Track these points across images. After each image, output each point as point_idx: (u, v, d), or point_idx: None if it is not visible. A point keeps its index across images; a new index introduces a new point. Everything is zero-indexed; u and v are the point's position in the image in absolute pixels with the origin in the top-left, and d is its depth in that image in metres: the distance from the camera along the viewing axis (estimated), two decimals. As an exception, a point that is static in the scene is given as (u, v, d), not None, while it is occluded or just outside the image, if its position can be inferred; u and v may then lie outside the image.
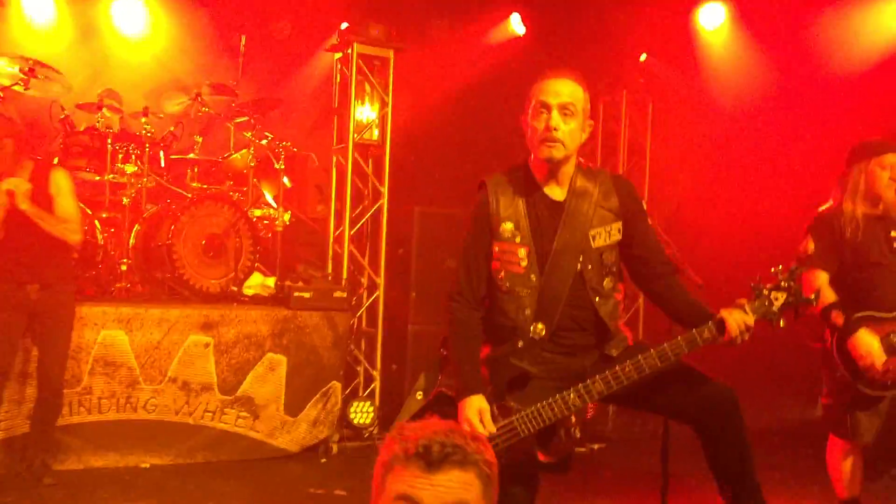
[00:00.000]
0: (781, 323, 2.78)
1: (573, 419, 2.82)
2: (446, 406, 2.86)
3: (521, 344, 2.86)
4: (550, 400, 2.77)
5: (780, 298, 2.76)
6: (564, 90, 2.83)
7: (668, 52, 7.55)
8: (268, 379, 5.43)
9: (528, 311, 2.85)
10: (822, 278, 3.83)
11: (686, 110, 7.74)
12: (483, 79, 7.07)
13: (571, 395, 2.77)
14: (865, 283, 3.83)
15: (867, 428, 3.83)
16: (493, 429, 2.75)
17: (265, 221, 6.13)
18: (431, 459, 1.53)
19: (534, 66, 7.01)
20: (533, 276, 2.86)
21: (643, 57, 7.48)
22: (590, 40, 7.34)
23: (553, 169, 2.89)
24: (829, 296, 3.80)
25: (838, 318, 3.76)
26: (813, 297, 2.83)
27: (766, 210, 6.83)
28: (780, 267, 2.82)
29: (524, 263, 2.87)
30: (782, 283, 2.77)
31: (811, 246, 3.88)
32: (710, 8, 7.27)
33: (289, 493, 4.82)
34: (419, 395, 2.96)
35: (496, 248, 2.90)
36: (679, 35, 7.42)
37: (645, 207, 3.16)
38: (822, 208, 4.06)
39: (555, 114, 2.81)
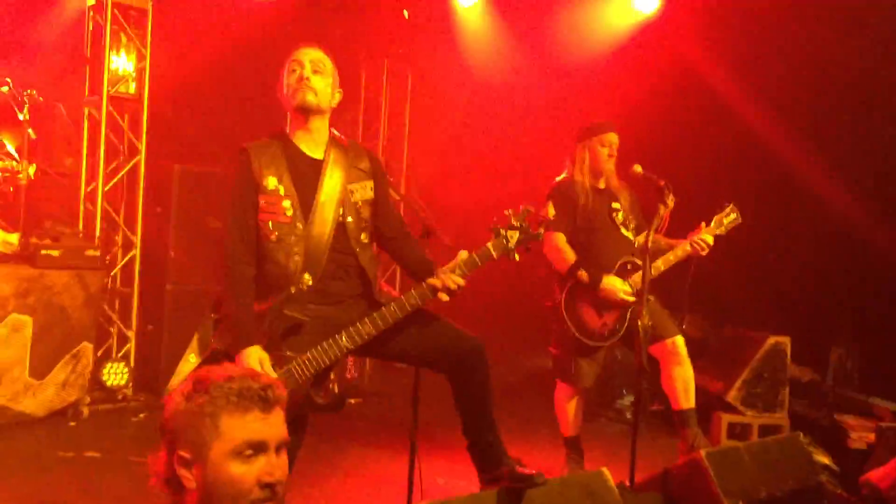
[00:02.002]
0: (517, 257, 3.22)
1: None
2: (222, 361, 2.96)
3: (293, 290, 3.04)
4: (324, 344, 3.00)
5: (514, 236, 3.18)
6: (315, 54, 3.16)
7: (428, 25, 7.88)
8: (11, 341, 5.13)
9: (297, 258, 3.04)
10: (561, 239, 4.36)
11: (444, 81, 8.15)
12: (248, 38, 6.97)
13: (343, 338, 3.01)
14: (591, 245, 4.39)
15: (587, 374, 4.42)
16: (274, 375, 2.91)
17: (6, 174, 5.70)
18: (269, 401, 1.76)
19: (297, 28, 7.13)
20: (299, 225, 3.06)
21: (405, 13, 7.72)
22: (351, 10, 7.49)
23: (309, 124, 3.14)
24: (570, 256, 4.33)
25: (583, 274, 4.28)
26: (539, 232, 3.26)
27: (513, 177, 7.43)
28: (512, 210, 3.23)
29: (289, 213, 3.06)
30: (513, 223, 3.19)
31: (551, 211, 4.37)
32: (465, -15, 7.67)
33: (37, 458, 4.65)
34: (192, 358, 3.05)
35: (262, 201, 3.06)
36: (438, 9, 7.77)
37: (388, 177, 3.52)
38: (558, 178, 4.58)
39: (307, 67, 3.12)
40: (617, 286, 4.27)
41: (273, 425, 1.76)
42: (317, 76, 3.13)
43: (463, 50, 7.86)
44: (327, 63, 3.19)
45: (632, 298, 4.26)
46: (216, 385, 1.74)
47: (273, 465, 1.75)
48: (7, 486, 4.17)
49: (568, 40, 7.30)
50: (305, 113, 3.12)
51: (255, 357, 2.91)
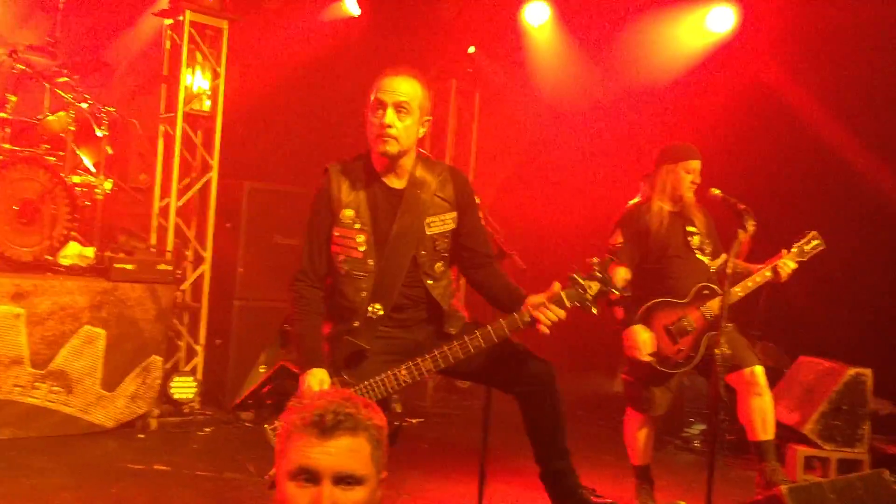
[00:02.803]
0: (594, 310, 3.02)
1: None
2: (287, 379, 2.97)
3: (357, 324, 3.02)
4: (382, 376, 2.96)
5: (593, 287, 2.98)
6: (401, 88, 2.99)
7: (496, 44, 7.88)
8: (84, 352, 5.23)
9: (364, 294, 3.02)
10: (620, 273, 4.18)
11: (511, 101, 8.12)
12: (317, 56, 7.08)
13: (402, 372, 2.96)
14: (664, 272, 4.27)
15: (660, 402, 4.28)
16: None
17: (84, 189, 5.84)
18: (325, 427, 1.66)
19: (367, 48, 7.22)
20: (370, 261, 3.03)
21: (471, 49, 7.77)
22: (422, 28, 7.54)
23: (391, 162, 3.06)
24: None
25: (620, 312, 4.17)
26: (625, 287, 3.14)
27: (583, 199, 7.32)
28: (595, 259, 3.06)
29: (362, 249, 3.03)
30: (595, 273, 3.00)
31: (619, 239, 4.27)
32: (535, 6, 7.63)
33: (107, 468, 4.70)
34: (262, 369, 3.06)
35: (336, 233, 3.05)
36: (507, 29, 7.76)
37: (477, 202, 3.37)
38: (632, 202, 4.48)
39: (389, 111, 2.97)
40: (638, 340, 4.11)
41: (331, 454, 1.66)
42: (400, 120, 2.98)
43: (532, 70, 7.82)
44: (414, 98, 3.00)
45: (647, 358, 4.11)
46: (303, 407, 1.72)
47: (321, 498, 1.64)
48: (79, 496, 4.22)
49: (640, 60, 7.20)
50: (385, 159, 3.06)
51: (318, 379, 2.89)
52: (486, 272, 3.25)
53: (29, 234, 5.34)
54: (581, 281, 2.99)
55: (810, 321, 6.52)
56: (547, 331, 2.96)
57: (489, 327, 3.00)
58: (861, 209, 6.51)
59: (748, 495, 4.15)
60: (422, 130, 3.09)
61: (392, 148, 2.99)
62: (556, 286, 3.01)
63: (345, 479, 1.67)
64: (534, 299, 3.00)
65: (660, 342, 4.19)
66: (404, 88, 2.99)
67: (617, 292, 3.08)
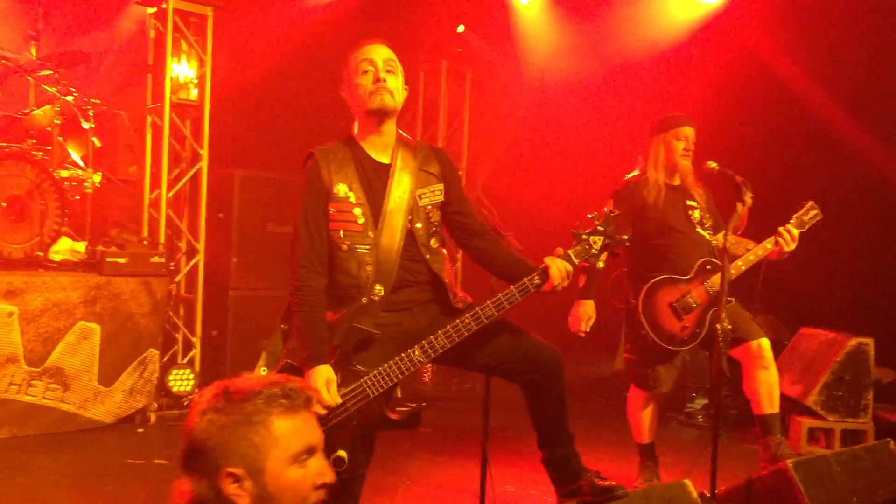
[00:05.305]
0: (600, 263, 3.05)
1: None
2: (293, 375, 2.89)
3: (364, 301, 2.92)
4: (397, 358, 2.87)
5: (598, 241, 2.99)
6: (384, 52, 3.02)
7: (486, 23, 7.79)
8: (80, 348, 5.18)
9: (369, 268, 2.92)
10: None
11: (502, 80, 8.04)
12: (304, 41, 6.98)
13: (416, 352, 2.88)
14: (665, 247, 4.22)
15: (665, 379, 4.25)
16: (338, 399, 2.82)
17: (73, 183, 5.76)
18: (311, 402, 1.74)
19: (354, 30, 7.09)
20: (371, 233, 2.95)
21: (461, 28, 7.68)
22: (409, 9, 7.44)
23: (381, 127, 3.01)
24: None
25: (581, 280, 4.18)
26: (626, 237, 3.10)
27: (577, 177, 7.26)
28: (596, 213, 3.05)
29: (361, 221, 2.95)
30: (598, 227, 3.01)
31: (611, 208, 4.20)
32: (523, -18, 7.56)
33: (106, 465, 4.66)
34: (263, 370, 2.97)
35: (332, 209, 2.95)
36: (495, 7, 7.67)
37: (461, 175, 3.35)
38: (629, 176, 4.42)
39: (381, 67, 2.98)
40: (581, 314, 4.20)
41: (317, 426, 1.74)
42: (390, 76, 2.98)
43: (522, 48, 7.73)
44: (397, 61, 3.04)
45: (583, 332, 4.19)
46: (255, 392, 1.67)
47: (325, 467, 1.73)
48: (78, 494, 4.19)
49: (630, 34, 7.12)
50: (381, 116, 2.99)
51: (324, 377, 2.80)
52: (487, 242, 3.18)
53: (19, 230, 5.28)
54: (585, 236, 3.00)
55: (810, 292, 6.49)
56: (558, 287, 2.93)
57: (500, 294, 2.95)
58: (855, 179, 6.47)
59: (753, 470, 4.12)
60: (404, 94, 3.07)
61: (389, 101, 2.96)
62: (559, 251, 3.00)
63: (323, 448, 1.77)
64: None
65: (665, 320, 4.14)
66: (387, 52, 3.03)
67: (619, 241, 3.04)
